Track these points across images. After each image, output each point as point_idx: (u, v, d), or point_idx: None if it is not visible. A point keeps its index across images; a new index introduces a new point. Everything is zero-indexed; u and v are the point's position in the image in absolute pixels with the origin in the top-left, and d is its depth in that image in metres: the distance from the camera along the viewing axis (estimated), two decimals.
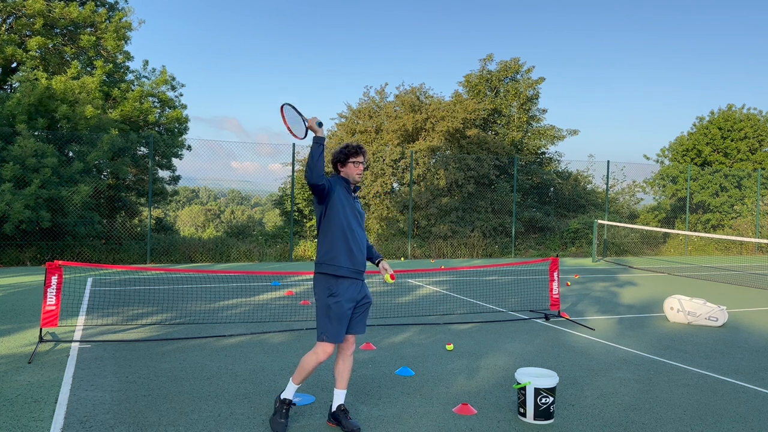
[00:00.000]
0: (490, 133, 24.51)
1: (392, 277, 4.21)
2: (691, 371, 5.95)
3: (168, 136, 17.74)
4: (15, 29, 16.63)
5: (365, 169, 4.29)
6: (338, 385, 4.27)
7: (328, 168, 13.38)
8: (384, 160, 20.90)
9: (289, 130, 4.18)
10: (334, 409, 4.28)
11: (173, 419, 4.37)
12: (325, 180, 3.99)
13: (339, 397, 4.27)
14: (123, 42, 17.41)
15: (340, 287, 4.07)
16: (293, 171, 17.91)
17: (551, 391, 4.42)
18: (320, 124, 4.00)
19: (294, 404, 4.23)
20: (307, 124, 4.10)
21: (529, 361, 6.17)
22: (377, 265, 4.32)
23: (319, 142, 3.95)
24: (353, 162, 4.16)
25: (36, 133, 14.35)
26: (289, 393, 4.20)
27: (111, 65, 16.86)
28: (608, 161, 21.19)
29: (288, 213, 20.37)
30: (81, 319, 7.86)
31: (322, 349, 4.09)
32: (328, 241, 4.10)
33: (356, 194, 4.28)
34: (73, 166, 14.22)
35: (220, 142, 43.34)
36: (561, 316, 8.53)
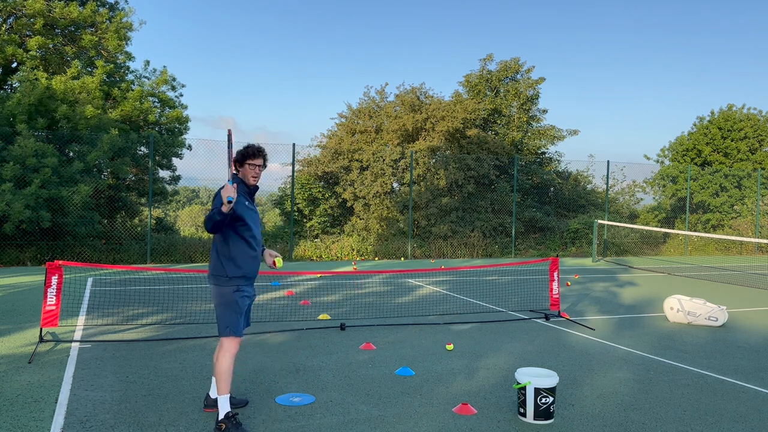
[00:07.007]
0: (490, 133, 24.49)
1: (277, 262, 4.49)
2: (691, 371, 5.96)
3: (168, 135, 17.73)
4: (15, 29, 16.63)
5: (262, 168, 4.30)
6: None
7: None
8: (384, 160, 20.90)
9: (228, 160, 4.16)
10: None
11: (173, 419, 4.37)
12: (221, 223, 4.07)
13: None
14: (124, 42, 17.40)
15: (245, 286, 4.30)
16: (293, 171, 17.91)
17: (551, 391, 4.42)
18: (230, 200, 3.93)
19: (237, 413, 4.19)
20: (223, 187, 4.04)
21: (529, 361, 6.18)
22: (262, 255, 4.47)
23: (222, 216, 3.99)
24: (249, 164, 4.20)
25: (36, 133, 14.35)
26: (226, 407, 4.13)
27: (111, 65, 16.86)
28: (608, 161, 21.24)
29: (288, 213, 20.35)
30: (81, 319, 7.86)
31: (229, 344, 4.25)
32: (235, 250, 4.22)
33: (254, 197, 4.39)
34: (73, 166, 14.21)
35: (219, 141, 43.28)
36: (561, 316, 8.53)
